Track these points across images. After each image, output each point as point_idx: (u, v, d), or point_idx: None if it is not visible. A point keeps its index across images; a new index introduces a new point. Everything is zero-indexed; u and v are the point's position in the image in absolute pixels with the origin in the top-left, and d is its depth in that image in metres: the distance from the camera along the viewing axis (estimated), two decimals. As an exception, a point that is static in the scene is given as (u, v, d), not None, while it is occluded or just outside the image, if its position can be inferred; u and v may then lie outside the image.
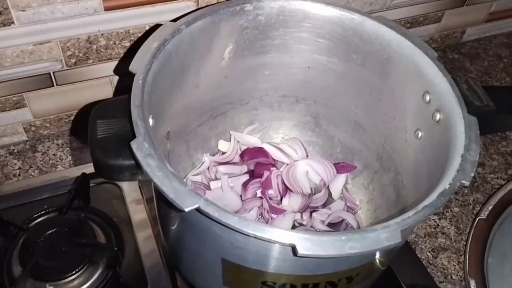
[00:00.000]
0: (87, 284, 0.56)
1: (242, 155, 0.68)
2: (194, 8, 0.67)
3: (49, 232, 0.58)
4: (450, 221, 0.70)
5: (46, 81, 0.67)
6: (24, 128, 0.71)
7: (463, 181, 0.43)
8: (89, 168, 0.63)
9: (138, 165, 0.41)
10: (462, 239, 0.68)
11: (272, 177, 0.65)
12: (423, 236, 0.68)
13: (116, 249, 0.59)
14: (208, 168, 0.67)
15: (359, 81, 0.60)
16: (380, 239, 0.38)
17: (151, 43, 0.49)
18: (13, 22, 0.59)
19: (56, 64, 0.65)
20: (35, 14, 0.59)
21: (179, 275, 0.59)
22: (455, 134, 0.47)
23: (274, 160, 0.68)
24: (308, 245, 0.37)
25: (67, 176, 0.66)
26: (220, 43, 0.57)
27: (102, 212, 0.63)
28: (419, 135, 0.54)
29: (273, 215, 0.62)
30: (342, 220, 0.64)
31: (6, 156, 0.71)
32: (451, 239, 0.68)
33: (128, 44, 0.67)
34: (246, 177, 0.66)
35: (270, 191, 0.64)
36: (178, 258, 0.56)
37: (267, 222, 0.62)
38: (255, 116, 0.68)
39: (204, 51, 0.56)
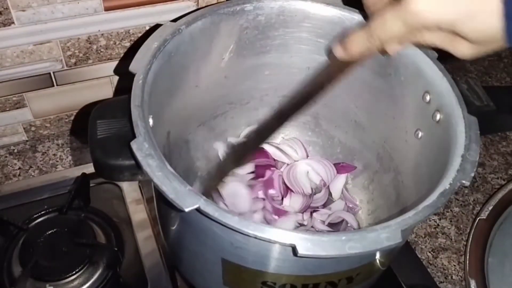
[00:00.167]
0: (87, 284, 0.56)
1: None
2: (194, 8, 0.67)
3: (49, 232, 0.58)
4: (450, 221, 0.70)
5: (46, 81, 0.67)
6: (24, 128, 0.71)
7: (463, 181, 0.43)
8: (89, 168, 0.63)
9: (138, 165, 0.41)
10: (462, 239, 0.68)
11: (274, 177, 0.65)
12: (423, 236, 0.68)
13: (116, 249, 0.59)
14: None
15: (359, 81, 0.60)
16: (380, 239, 0.38)
17: (151, 43, 0.49)
18: (13, 22, 0.59)
19: (56, 64, 0.65)
20: (35, 14, 0.59)
21: (179, 275, 0.59)
22: (455, 134, 0.47)
23: (274, 160, 0.68)
24: (308, 245, 0.37)
25: (67, 176, 0.66)
26: (220, 43, 0.57)
27: (102, 212, 0.63)
28: (419, 135, 0.54)
29: (275, 217, 0.62)
30: (342, 220, 0.64)
31: (6, 156, 0.71)
32: (451, 239, 0.68)
33: (128, 44, 0.67)
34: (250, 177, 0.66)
35: (272, 191, 0.64)
36: (178, 258, 0.56)
37: (269, 223, 0.62)
38: (255, 116, 0.68)
39: (204, 51, 0.56)
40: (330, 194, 0.68)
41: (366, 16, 0.56)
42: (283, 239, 0.38)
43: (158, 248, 0.61)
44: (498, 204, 0.71)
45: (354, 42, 0.45)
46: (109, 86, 0.71)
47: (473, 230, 0.68)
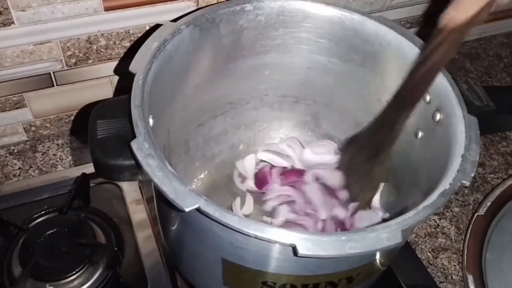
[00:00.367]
0: (87, 284, 0.56)
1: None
2: (194, 8, 0.67)
3: (49, 232, 0.58)
4: (450, 221, 0.70)
5: (46, 81, 0.67)
6: (24, 128, 0.71)
7: (464, 181, 0.43)
8: (89, 168, 0.63)
9: (138, 165, 0.41)
10: (462, 239, 0.68)
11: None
12: (423, 236, 0.68)
13: (116, 249, 0.59)
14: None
15: (359, 81, 0.60)
16: (380, 239, 0.38)
17: (151, 43, 0.49)
18: (13, 22, 0.59)
19: (56, 64, 0.65)
20: (35, 14, 0.59)
21: (179, 275, 0.59)
22: (455, 134, 0.47)
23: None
24: (309, 245, 0.37)
25: (67, 176, 0.66)
26: (220, 43, 0.57)
27: (102, 212, 0.63)
28: (419, 135, 0.54)
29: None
30: None
31: (6, 156, 0.71)
32: (451, 239, 0.68)
33: (128, 44, 0.67)
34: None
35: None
36: (178, 258, 0.56)
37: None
38: (255, 116, 0.68)
39: (204, 51, 0.56)
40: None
41: (366, 16, 0.56)
42: (283, 239, 0.38)
43: (158, 248, 0.61)
44: (496, 201, 0.71)
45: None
46: (109, 86, 0.71)
47: (471, 226, 0.68)
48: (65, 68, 0.66)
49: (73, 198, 0.62)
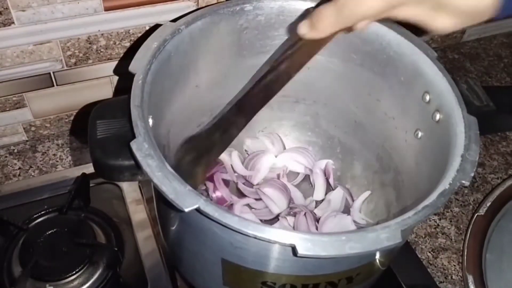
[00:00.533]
0: (87, 284, 0.56)
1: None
2: (194, 8, 0.67)
3: (49, 232, 0.58)
4: (450, 221, 0.70)
5: (46, 81, 0.67)
6: (24, 128, 0.71)
7: (463, 181, 0.43)
8: (89, 168, 0.63)
9: (138, 166, 0.41)
10: (462, 239, 0.68)
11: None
12: (423, 236, 0.68)
13: (116, 249, 0.59)
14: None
15: (359, 81, 0.60)
16: (380, 239, 0.38)
17: (151, 43, 0.49)
18: (13, 22, 0.59)
19: (56, 64, 0.65)
20: (35, 14, 0.59)
21: (179, 275, 0.59)
22: (455, 134, 0.47)
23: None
24: (308, 245, 0.37)
25: (67, 176, 0.66)
26: (220, 43, 0.57)
27: (102, 212, 0.63)
28: (419, 135, 0.54)
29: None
30: None
31: (6, 156, 0.71)
32: (451, 239, 0.68)
33: (128, 44, 0.67)
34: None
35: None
36: (178, 258, 0.56)
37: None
38: (255, 116, 0.68)
39: (204, 51, 0.56)
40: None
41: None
42: (283, 239, 0.38)
43: (158, 248, 0.61)
44: (496, 201, 0.71)
45: (323, 18, 0.41)
46: (109, 86, 0.71)
47: (471, 226, 0.68)
48: (65, 68, 0.66)
49: (73, 198, 0.62)
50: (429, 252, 0.66)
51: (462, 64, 0.94)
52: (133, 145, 0.41)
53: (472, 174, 0.44)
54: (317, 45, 0.44)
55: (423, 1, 0.38)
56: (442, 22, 0.39)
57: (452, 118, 0.49)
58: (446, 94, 0.50)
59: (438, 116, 0.51)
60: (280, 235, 0.38)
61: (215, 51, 0.57)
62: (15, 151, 0.72)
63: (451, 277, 0.64)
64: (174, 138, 0.57)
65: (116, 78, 0.70)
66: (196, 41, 0.54)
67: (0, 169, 0.69)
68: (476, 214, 0.69)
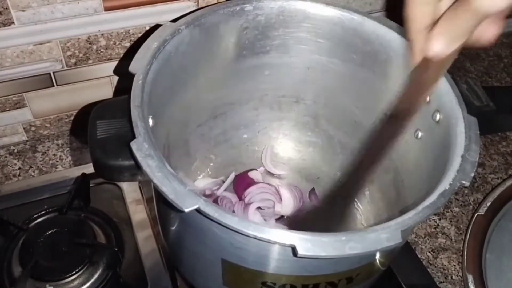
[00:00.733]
0: (87, 284, 0.56)
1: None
2: (194, 8, 0.67)
3: (49, 232, 0.58)
4: (450, 221, 0.70)
5: (46, 81, 0.67)
6: (24, 128, 0.71)
7: (463, 182, 0.43)
8: (89, 168, 0.63)
9: (138, 166, 0.41)
10: (462, 239, 0.68)
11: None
12: (423, 236, 0.68)
13: (116, 249, 0.59)
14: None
15: (359, 81, 0.60)
16: (380, 239, 0.38)
17: (151, 44, 0.49)
18: (13, 22, 0.59)
19: (56, 64, 0.65)
20: (35, 14, 0.59)
21: (179, 275, 0.59)
22: (455, 134, 0.47)
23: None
24: (308, 245, 0.37)
25: (67, 176, 0.66)
26: (220, 43, 0.57)
27: (102, 212, 0.63)
28: (419, 135, 0.54)
29: None
30: None
31: (6, 156, 0.71)
32: (451, 240, 0.68)
33: (128, 44, 0.67)
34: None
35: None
36: (178, 258, 0.56)
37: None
38: (255, 116, 0.68)
39: (204, 51, 0.56)
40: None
41: (366, 16, 0.56)
42: (283, 240, 0.38)
43: (158, 248, 0.61)
44: (496, 201, 0.71)
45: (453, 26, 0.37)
46: (109, 86, 0.71)
47: (471, 226, 0.68)
48: (65, 68, 0.66)
49: (73, 198, 0.62)
50: (429, 252, 0.66)
51: (462, 64, 0.94)
52: (133, 145, 0.41)
53: (472, 175, 0.44)
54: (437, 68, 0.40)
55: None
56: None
57: (452, 118, 0.49)
58: (446, 94, 0.50)
59: (438, 116, 0.51)
60: (280, 236, 0.38)
61: (215, 51, 0.57)
62: (15, 151, 0.72)
63: (451, 277, 0.64)
64: (174, 138, 0.57)
65: (116, 78, 0.70)
66: (196, 41, 0.54)
67: (0, 169, 0.69)
68: (476, 214, 0.69)
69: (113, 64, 0.68)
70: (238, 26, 0.57)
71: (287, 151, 0.71)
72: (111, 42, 0.66)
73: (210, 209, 0.38)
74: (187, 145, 0.63)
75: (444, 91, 0.50)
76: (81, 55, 0.65)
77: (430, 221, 0.70)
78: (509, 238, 0.67)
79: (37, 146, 0.73)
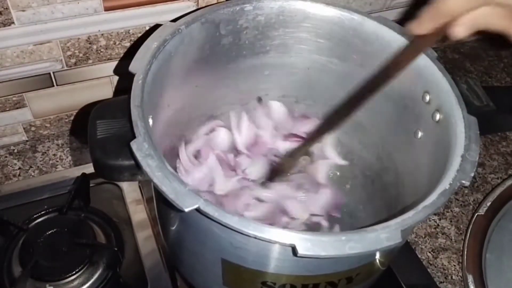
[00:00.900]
0: (87, 284, 0.56)
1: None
2: (194, 8, 0.67)
3: (49, 232, 0.58)
4: (450, 221, 0.70)
5: (46, 81, 0.67)
6: (24, 128, 0.71)
7: (463, 181, 0.43)
8: (89, 168, 0.63)
9: (138, 166, 0.41)
10: (462, 239, 0.68)
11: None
12: (423, 236, 0.68)
13: (116, 249, 0.59)
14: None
15: (359, 81, 0.60)
16: (380, 239, 0.38)
17: (151, 43, 0.49)
18: (13, 22, 0.59)
19: (56, 64, 0.65)
20: (35, 14, 0.59)
21: (179, 275, 0.59)
22: (455, 134, 0.47)
23: None
24: (308, 245, 0.37)
25: (67, 176, 0.66)
26: (219, 43, 0.57)
27: (102, 212, 0.63)
28: (419, 135, 0.54)
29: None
30: None
31: (6, 156, 0.71)
32: (451, 239, 0.68)
33: (128, 44, 0.67)
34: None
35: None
36: (178, 258, 0.56)
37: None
38: (255, 116, 0.68)
39: (204, 51, 0.56)
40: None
41: (366, 16, 0.57)
42: (283, 239, 0.38)
43: (158, 248, 0.61)
44: (496, 200, 0.71)
45: (424, 13, 0.45)
46: (109, 86, 0.71)
47: (471, 226, 0.68)
48: (65, 68, 0.66)
49: (73, 198, 0.62)
50: (429, 252, 0.66)
51: (462, 64, 0.94)
52: (133, 145, 0.41)
53: (472, 174, 0.44)
54: (422, 43, 0.48)
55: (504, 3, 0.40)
56: None
57: (452, 118, 0.49)
58: (446, 94, 0.50)
59: (438, 116, 0.51)
60: (280, 235, 0.38)
61: (215, 51, 0.57)
62: (15, 151, 0.72)
63: (451, 277, 0.64)
64: (174, 138, 0.57)
65: (116, 78, 0.70)
66: (196, 41, 0.54)
67: (0, 169, 0.69)
68: (476, 214, 0.69)
69: (113, 64, 0.68)
70: (238, 26, 0.57)
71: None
72: (111, 42, 0.66)
73: (210, 209, 0.38)
74: (187, 145, 0.63)
75: (444, 91, 0.50)
76: (81, 55, 0.65)
77: (430, 221, 0.70)
78: (509, 238, 0.67)
79: (37, 146, 0.73)
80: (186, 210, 0.38)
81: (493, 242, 0.66)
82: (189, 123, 0.62)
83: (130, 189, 0.66)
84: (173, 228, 0.50)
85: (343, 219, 0.65)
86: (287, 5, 0.57)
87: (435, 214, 0.70)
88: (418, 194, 0.50)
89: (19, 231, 0.60)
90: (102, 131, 0.46)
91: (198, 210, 0.38)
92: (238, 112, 0.66)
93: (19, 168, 0.70)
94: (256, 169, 0.65)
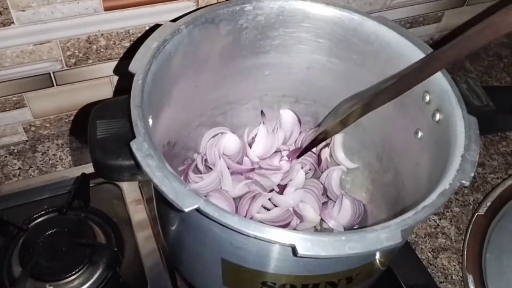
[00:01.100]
0: (87, 284, 0.56)
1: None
2: (194, 8, 0.67)
3: (49, 232, 0.58)
4: (450, 221, 0.70)
5: (46, 81, 0.67)
6: (24, 128, 0.71)
7: (463, 181, 0.43)
8: (89, 168, 0.63)
9: (137, 166, 0.41)
10: (462, 239, 0.68)
11: None
12: (423, 236, 0.68)
13: (116, 249, 0.59)
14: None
15: (359, 81, 0.60)
16: (380, 239, 0.38)
17: (150, 43, 0.49)
18: (13, 22, 0.59)
19: (56, 64, 0.65)
20: (35, 14, 0.59)
21: (179, 275, 0.59)
22: (455, 134, 0.47)
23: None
24: (308, 245, 0.37)
25: (67, 176, 0.66)
26: (220, 43, 0.57)
27: (102, 212, 0.63)
28: (419, 135, 0.54)
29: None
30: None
31: (6, 156, 0.71)
32: (451, 239, 0.68)
33: (128, 44, 0.67)
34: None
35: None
36: (178, 258, 0.56)
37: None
38: (255, 116, 0.68)
39: (204, 51, 0.56)
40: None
41: (365, 16, 0.57)
42: (283, 239, 0.38)
43: (158, 248, 0.61)
44: (496, 200, 0.71)
45: None
46: (109, 86, 0.71)
47: (471, 226, 0.68)
48: (65, 68, 0.66)
49: (73, 198, 0.62)
50: (429, 252, 0.66)
51: (462, 64, 0.94)
52: (133, 145, 0.41)
53: (472, 174, 0.44)
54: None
55: None
56: None
57: (452, 118, 0.49)
58: (446, 94, 0.50)
59: (438, 116, 0.51)
60: (280, 235, 0.38)
61: (215, 51, 0.57)
62: (15, 151, 0.72)
63: (451, 277, 0.64)
64: (174, 138, 0.57)
65: (116, 78, 0.70)
66: (196, 41, 0.54)
67: (0, 169, 0.69)
68: (476, 214, 0.69)
69: (113, 64, 0.68)
70: (238, 26, 0.57)
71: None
72: (111, 42, 0.66)
73: (210, 209, 0.38)
74: (187, 145, 0.63)
75: (444, 91, 0.50)
76: (81, 55, 0.65)
77: (430, 221, 0.70)
78: (509, 238, 0.67)
79: (37, 146, 0.73)
80: (186, 210, 0.38)
81: (493, 242, 0.66)
82: (189, 123, 0.62)
83: (130, 189, 0.66)
84: (173, 228, 0.50)
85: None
86: (287, 5, 0.57)
87: (435, 214, 0.70)
88: (418, 194, 0.50)
89: (19, 231, 0.60)
90: (102, 131, 0.46)
91: (198, 210, 0.38)
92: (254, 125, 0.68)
93: (19, 168, 0.70)
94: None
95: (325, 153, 0.68)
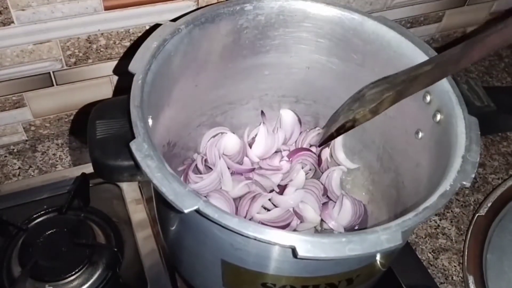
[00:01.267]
0: (87, 285, 0.56)
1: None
2: (194, 8, 0.67)
3: (49, 232, 0.58)
4: (451, 221, 0.70)
5: (46, 80, 0.66)
6: (24, 128, 0.71)
7: (464, 182, 0.43)
8: (89, 168, 0.62)
9: (137, 166, 0.41)
10: (463, 239, 0.68)
11: None
12: (423, 237, 0.68)
13: (115, 249, 0.59)
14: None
15: (359, 81, 0.60)
16: (380, 240, 0.38)
17: (150, 43, 0.49)
18: (12, 22, 0.59)
19: (56, 63, 0.65)
20: (35, 14, 0.59)
21: (179, 275, 0.59)
22: (456, 135, 0.47)
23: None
24: (308, 247, 0.37)
25: (67, 176, 0.66)
26: (220, 43, 0.57)
27: (102, 212, 0.63)
28: (420, 135, 0.54)
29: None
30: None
31: (5, 156, 0.71)
32: (451, 240, 0.68)
33: (128, 44, 0.67)
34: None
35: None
36: (177, 259, 0.56)
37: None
38: (255, 116, 0.68)
39: (204, 51, 0.56)
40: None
41: (366, 16, 0.56)
42: (282, 241, 0.38)
43: (158, 248, 0.61)
44: (497, 201, 0.71)
45: None
46: (109, 85, 0.71)
47: (471, 227, 0.68)
48: (65, 67, 0.66)
49: (72, 198, 0.62)
50: (430, 252, 0.66)
51: (463, 64, 0.94)
52: (133, 145, 0.41)
53: (473, 175, 0.44)
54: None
55: None
56: None
57: (452, 118, 0.48)
58: (446, 94, 0.50)
59: (438, 117, 0.51)
60: (280, 237, 0.38)
61: (215, 51, 0.57)
62: (15, 150, 0.72)
63: (452, 277, 0.64)
64: (173, 138, 0.57)
65: (116, 78, 0.70)
66: (196, 41, 0.54)
67: (0, 168, 0.69)
68: (476, 215, 0.69)
69: (113, 63, 0.68)
70: (238, 26, 0.57)
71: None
72: (111, 42, 0.65)
73: (209, 210, 0.38)
74: (187, 145, 0.63)
75: (444, 92, 0.50)
76: (81, 54, 0.65)
77: (430, 221, 0.70)
78: (509, 239, 0.67)
79: (37, 145, 0.72)
80: (186, 211, 0.38)
81: (494, 242, 0.66)
82: (189, 123, 0.62)
83: (129, 189, 0.66)
84: (173, 228, 0.50)
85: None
86: (287, 5, 0.57)
87: (435, 215, 0.70)
88: (418, 195, 0.50)
89: (18, 231, 0.60)
90: (101, 131, 0.46)
91: (197, 211, 0.38)
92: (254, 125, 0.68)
93: (19, 168, 0.70)
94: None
95: (325, 154, 0.68)
